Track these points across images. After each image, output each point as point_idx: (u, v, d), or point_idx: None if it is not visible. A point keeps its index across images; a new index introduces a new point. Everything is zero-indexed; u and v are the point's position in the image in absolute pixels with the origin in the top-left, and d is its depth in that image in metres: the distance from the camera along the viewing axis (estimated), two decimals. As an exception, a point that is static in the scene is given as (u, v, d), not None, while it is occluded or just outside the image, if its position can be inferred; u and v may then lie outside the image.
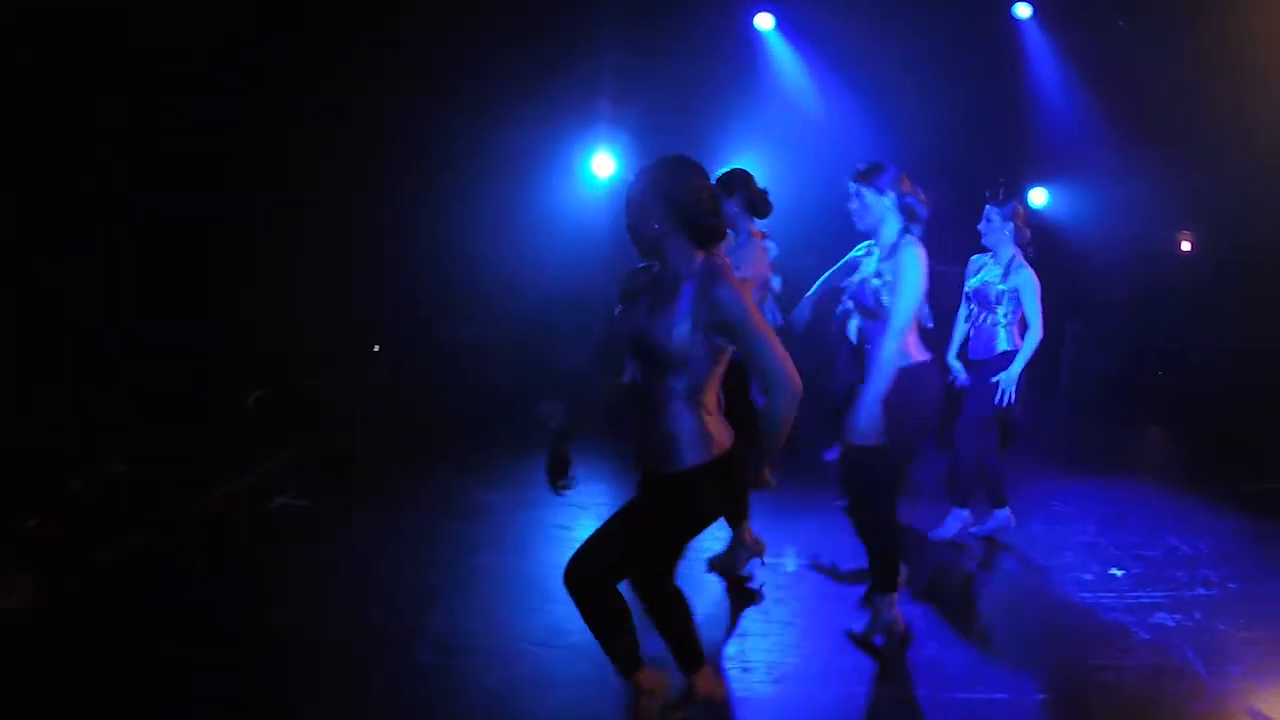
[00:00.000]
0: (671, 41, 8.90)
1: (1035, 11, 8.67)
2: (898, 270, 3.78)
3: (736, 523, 4.69)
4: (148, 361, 6.78)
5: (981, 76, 8.81)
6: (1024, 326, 5.19)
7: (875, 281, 3.84)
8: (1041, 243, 9.25)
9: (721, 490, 2.94)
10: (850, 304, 4.02)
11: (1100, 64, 8.64)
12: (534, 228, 9.15)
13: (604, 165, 9.34)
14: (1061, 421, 8.41)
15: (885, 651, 3.98)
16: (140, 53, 6.77)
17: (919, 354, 3.88)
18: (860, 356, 4.02)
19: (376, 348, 9.42)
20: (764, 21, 9.09)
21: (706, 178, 2.89)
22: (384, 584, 4.62)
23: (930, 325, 4.02)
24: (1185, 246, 9.74)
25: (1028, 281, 5.11)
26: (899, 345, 3.74)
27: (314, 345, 8.21)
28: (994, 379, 5.09)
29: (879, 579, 4.05)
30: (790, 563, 5.00)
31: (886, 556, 4.03)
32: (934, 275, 3.83)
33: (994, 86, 8.90)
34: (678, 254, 2.83)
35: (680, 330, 2.75)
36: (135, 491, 5.50)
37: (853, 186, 3.91)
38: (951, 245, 9.97)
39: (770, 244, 4.73)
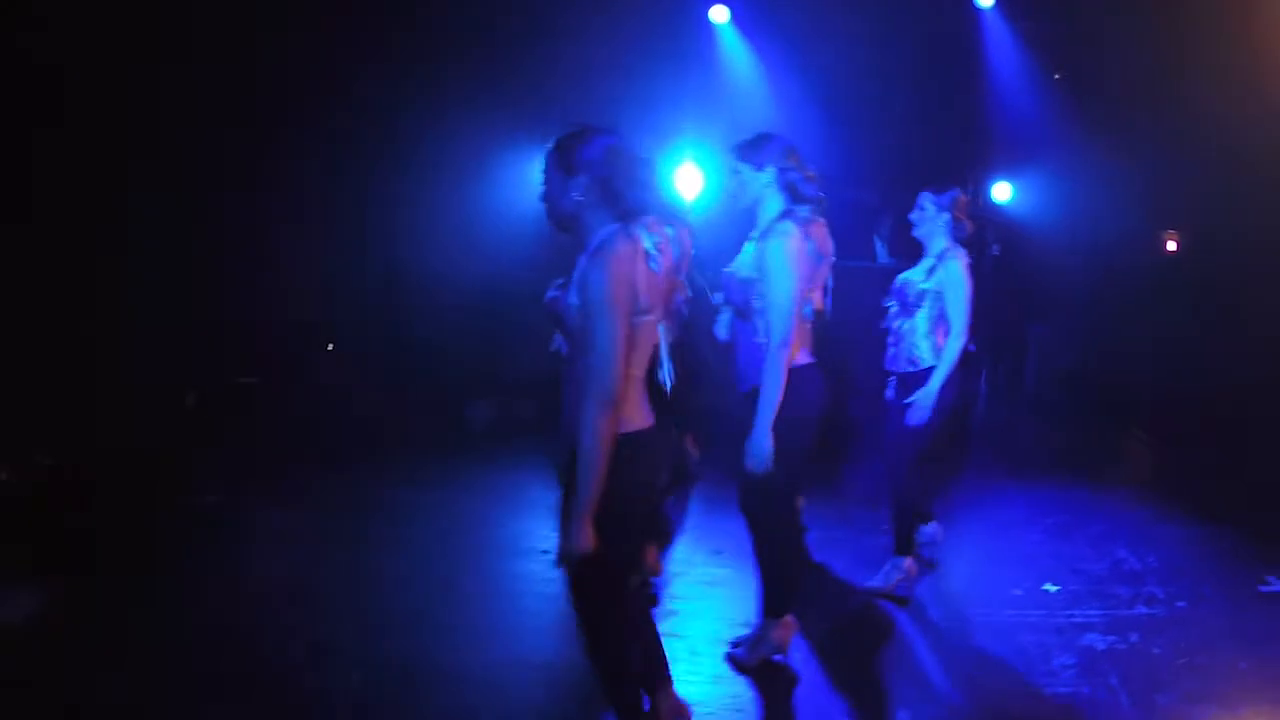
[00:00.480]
0: (626, 33, 8.59)
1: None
2: (763, 261, 3.40)
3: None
4: (85, 355, 6.55)
5: (942, 67, 8.43)
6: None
7: (745, 273, 3.46)
8: (1006, 240, 9.06)
9: (626, 473, 2.59)
10: (721, 297, 3.64)
11: (1066, 53, 8.27)
12: (487, 226, 8.87)
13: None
14: (1022, 424, 8.06)
15: (763, 678, 3.62)
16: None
17: (800, 357, 3.50)
18: (729, 357, 3.64)
19: (330, 346, 9.14)
20: (719, 14, 8.75)
21: (631, 148, 2.72)
22: (260, 582, 4.46)
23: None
24: (1171, 246, 9.38)
25: (954, 279, 4.28)
26: (780, 356, 3.35)
27: (263, 344, 7.97)
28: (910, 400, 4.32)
29: (771, 601, 3.68)
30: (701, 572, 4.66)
31: (780, 578, 3.67)
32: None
33: (955, 77, 8.52)
34: (594, 227, 2.66)
35: (572, 299, 2.60)
36: (61, 485, 5.41)
37: (730, 161, 3.54)
38: (906, 247, 9.71)
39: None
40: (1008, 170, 8.69)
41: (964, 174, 9.12)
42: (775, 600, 3.66)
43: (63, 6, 6.41)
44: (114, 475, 5.63)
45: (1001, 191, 8.68)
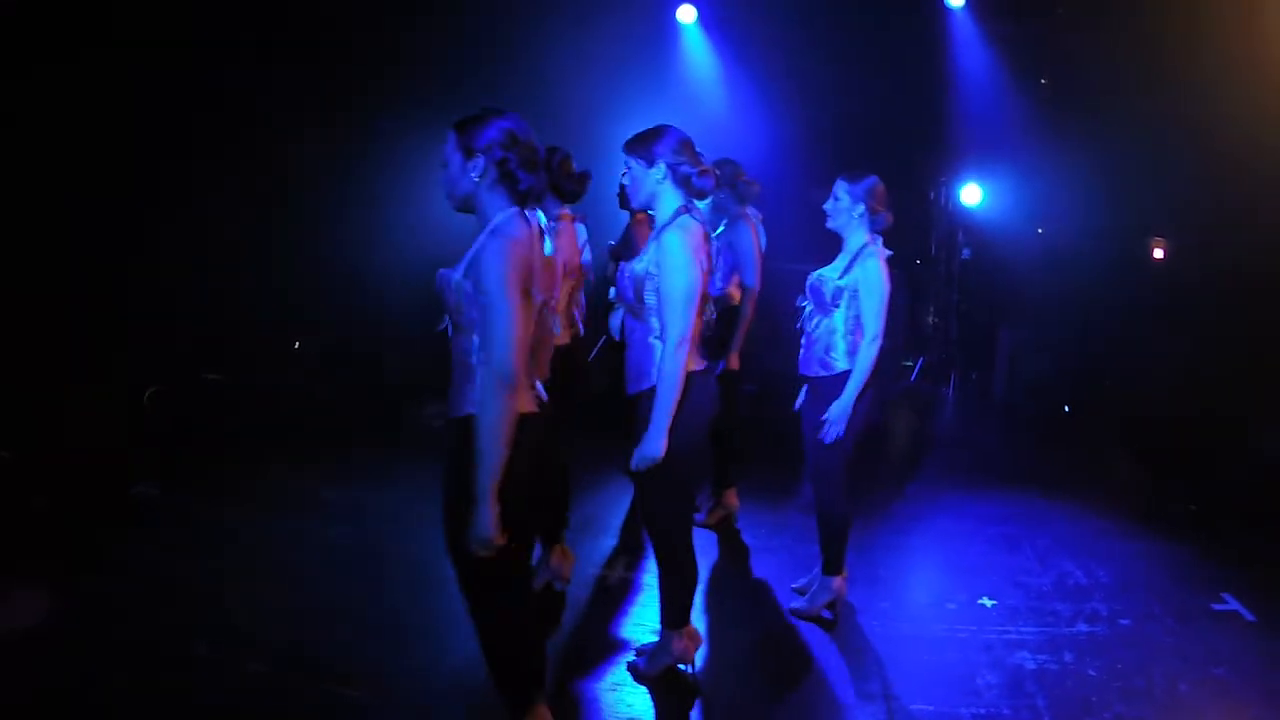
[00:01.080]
0: (593, 33, 8.42)
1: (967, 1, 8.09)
2: (660, 256, 3.18)
3: (549, 538, 4.17)
4: (44, 352, 6.40)
5: (912, 67, 8.26)
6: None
7: (639, 269, 3.24)
8: (976, 243, 8.84)
9: (514, 459, 2.54)
10: (615, 293, 3.42)
11: (1037, 55, 8.07)
12: (448, 226, 8.69)
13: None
14: (987, 431, 7.78)
15: (662, 689, 3.39)
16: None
17: (693, 362, 3.26)
18: (621, 355, 3.40)
19: (297, 344, 8.96)
20: (686, 14, 8.58)
21: (530, 132, 2.69)
22: (183, 576, 4.36)
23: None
24: (1158, 254, 9.15)
25: (870, 277, 3.87)
26: (679, 355, 3.13)
27: (228, 340, 7.82)
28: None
29: (671, 611, 3.45)
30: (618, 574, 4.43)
31: (681, 587, 3.43)
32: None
33: (925, 78, 8.34)
34: (492, 209, 2.65)
35: (455, 276, 2.57)
36: (16, 478, 5.30)
37: (624, 157, 3.33)
38: (887, 245, 9.50)
39: (581, 227, 4.21)
40: (978, 172, 8.45)
41: (933, 173, 9.04)
42: (675, 610, 3.42)
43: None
44: (61, 469, 5.48)
45: (971, 194, 8.44)
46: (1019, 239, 8.31)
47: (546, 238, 2.76)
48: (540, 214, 2.79)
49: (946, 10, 8.20)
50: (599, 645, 3.78)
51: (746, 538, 5.01)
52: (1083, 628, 4.07)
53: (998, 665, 3.69)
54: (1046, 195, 8.19)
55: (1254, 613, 4.23)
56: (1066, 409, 8.19)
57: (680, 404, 3.13)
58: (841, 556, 4.09)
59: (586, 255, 4.23)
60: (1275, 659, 3.84)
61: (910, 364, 8.94)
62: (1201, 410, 6.80)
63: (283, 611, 4.00)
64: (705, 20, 8.59)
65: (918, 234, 9.68)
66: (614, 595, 4.29)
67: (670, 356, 3.13)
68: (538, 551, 4.12)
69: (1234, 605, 4.31)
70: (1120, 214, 8.05)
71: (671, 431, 3.12)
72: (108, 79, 6.85)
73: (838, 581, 4.10)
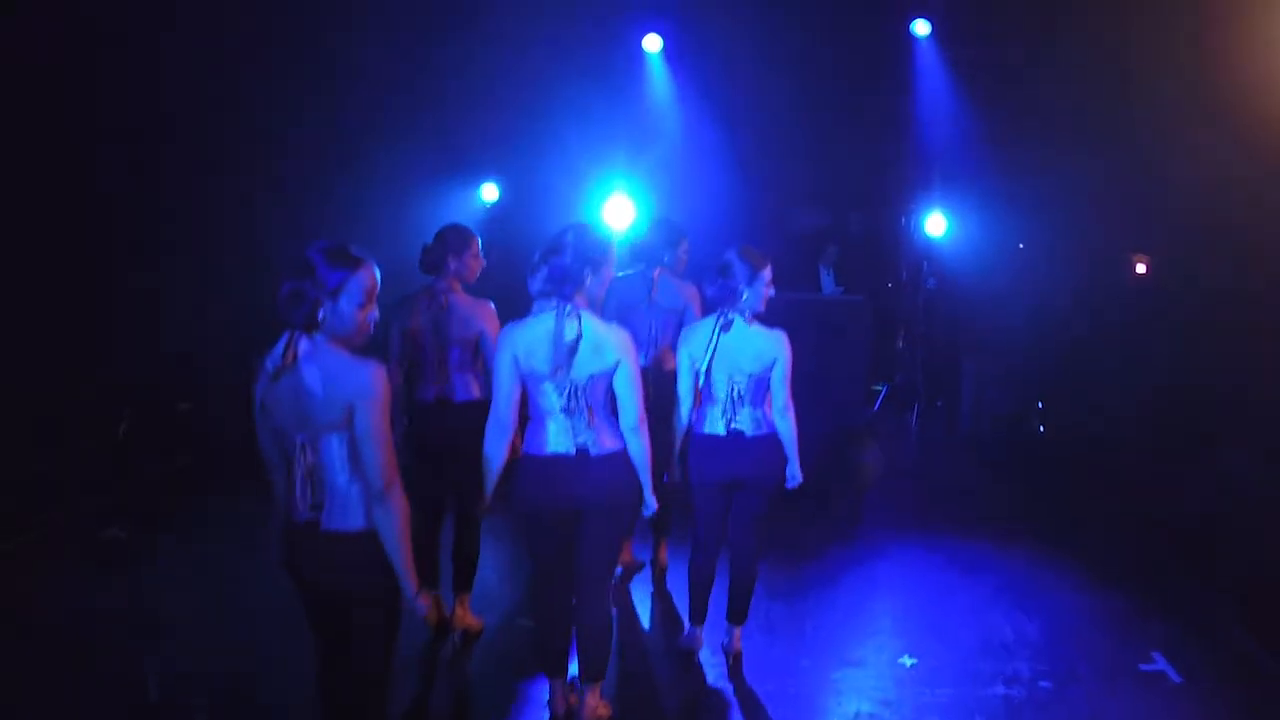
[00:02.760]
0: (558, 63, 8.38)
1: (934, 29, 8.01)
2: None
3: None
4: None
5: (878, 97, 8.20)
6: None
7: None
8: (941, 272, 8.76)
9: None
10: None
11: (1002, 85, 7.99)
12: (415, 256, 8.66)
13: (489, 191, 8.90)
14: (946, 468, 7.65)
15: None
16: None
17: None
18: None
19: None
20: (652, 44, 8.53)
21: None
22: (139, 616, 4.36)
23: None
24: (1140, 269, 9.09)
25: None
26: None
27: (199, 370, 7.76)
28: None
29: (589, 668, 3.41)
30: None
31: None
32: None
33: (891, 107, 8.27)
34: None
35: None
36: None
37: None
38: (859, 271, 9.45)
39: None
40: (944, 202, 8.37)
41: (901, 200, 8.97)
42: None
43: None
44: (29, 504, 5.54)
45: (935, 224, 8.36)
46: (985, 268, 8.21)
47: None
48: None
49: (913, 39, 8.13)
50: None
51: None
52: (999, 690, 3.97)
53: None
54: (1013, 225, 8.11)
55: (1182, 673, 4.13)
56: (1041, 429, 8.13)
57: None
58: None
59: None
60: (1195, 727, 3.75)
61: (877, 389, 8.86)
62: (1163, 439, 6.73)
63: (237, 653, 4.02)
64: (670, 49, 8.55)
65: (888, 259, 9.62)
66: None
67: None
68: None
69: (1162, 665, 4.21)
70: (1087, 239, 7.98)
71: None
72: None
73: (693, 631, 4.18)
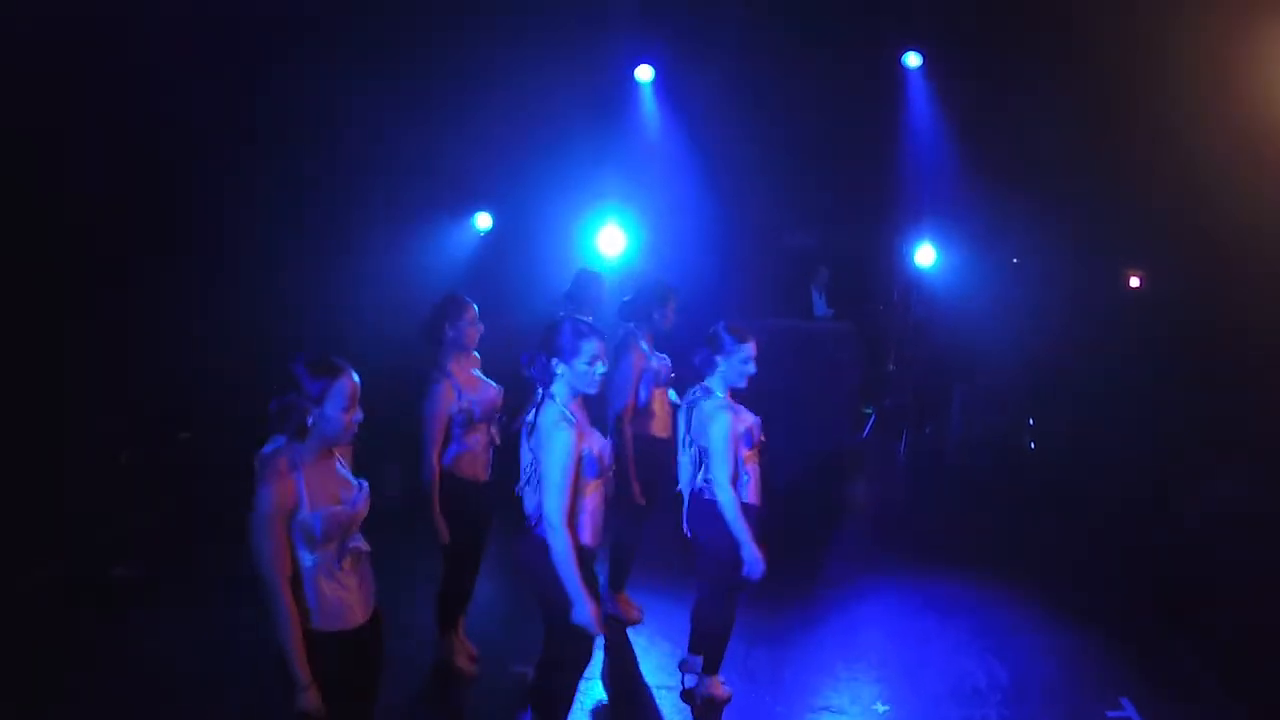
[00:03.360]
0: (550, 93, 8.50)
1: (925, 61, 8.11)
2: None
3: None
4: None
5: (869, 127, 8.30)
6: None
7: None
8: (929, 303, 8.87)
9: None
10: None
11: (990, 115, 8.08)
12: (418, 279, 8.81)
13: (484, 220, 9.03)
14: (932, 502, 7.66)
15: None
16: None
17: None
18: None
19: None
20: (643, 74, 8.65)
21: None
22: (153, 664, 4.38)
23: None
24: (1134, 283, 9.23)
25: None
26: None
27: (197, 399, 7.83)
28: None
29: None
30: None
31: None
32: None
33: (881, 136, 8.38)
34: None
35: None
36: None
37: None
38: (843, 295, 9.55)
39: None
40: (933, 232, 8.47)
41: (893, 226, 9.10)
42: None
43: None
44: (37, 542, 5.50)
45: (925, 255, 8.46)
46: (972, 293, 8.31)
47: None
48: None
49: (904, 70, 8.24)
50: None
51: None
52: (969, 739, 4.08)
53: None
54: (1001, 250, 8.23)
55: (1146, 720, 4.23)
56: (1032, 445, 8.23)
57: None
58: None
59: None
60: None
61: (867, 412, 8.95)
62: (1154, 463, 6.80)
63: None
64: (662, 79, 8.67)
65: (880, 282, 9.72)
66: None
67: None
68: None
69: (1129, 713, 4.31)
70: (1077, 257, 8.10)
71: None
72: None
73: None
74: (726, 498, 3.91)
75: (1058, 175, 8.02)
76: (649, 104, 8.71)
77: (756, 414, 4.08)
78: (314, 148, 8.16)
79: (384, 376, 8.59)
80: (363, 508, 2.79)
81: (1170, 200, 7.53)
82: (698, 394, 4.03)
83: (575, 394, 3.33)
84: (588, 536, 3.30)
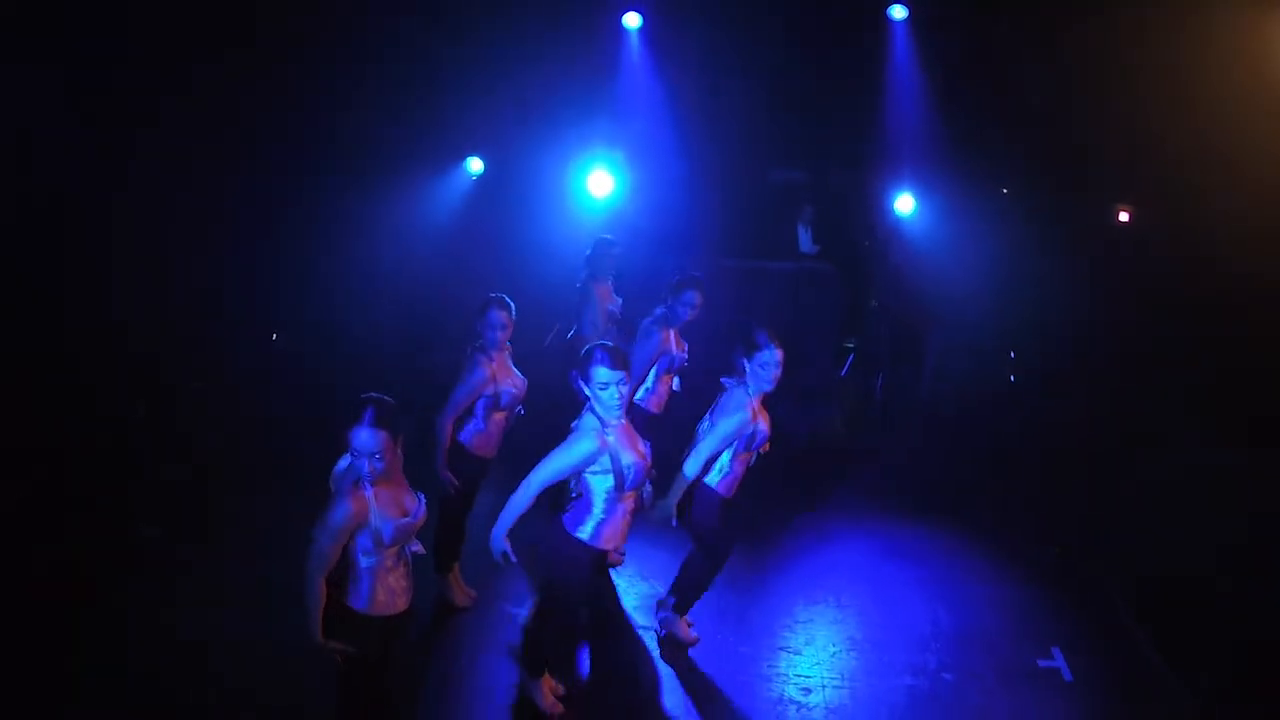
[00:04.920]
0: (539, 39, 8.57)
1: (910, 13, 8.18)
2: None
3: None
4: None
5: (853, 80, 8.43)
6: None
7: None
8: (907, 252, 9.06)
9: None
10: None
11: (976, 68, 8.19)
12: (415, 230, 9.02)
13: (475, 164, 9.21)
14: (900, 441, 7.96)
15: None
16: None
17: None
18: None
19: (275, 336, 9.16)
20: (631, 20, 8.72)
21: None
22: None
23: None
24: (1123, 217, 9.44)
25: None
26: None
27: (209, 341, 7.92)
28: None
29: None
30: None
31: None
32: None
33: (865, 91, 8.51)
34: None
35: None
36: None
37: None
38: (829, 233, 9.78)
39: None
40: (913, 181, 8.64)
41: (873, 173, 9.26)
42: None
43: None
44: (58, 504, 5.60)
45: (904, 203, 8.65)
46: (950, 248, 8.52)
47: None
48: None
49: (890, 22, 8.31)
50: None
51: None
52: (906, 681, 4.53)
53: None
54: (981, 206, 8.43)
55: (1074, 671, 4.67)
56: (1012, 379, 8.54)
57: None
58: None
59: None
60: (1072, 724, 4.28)
61: (850, 346, 9.22)
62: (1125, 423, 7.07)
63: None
64: (649, 26, 8.74)
65: (865, 219, 9.90)
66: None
67: None
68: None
69: (1059, 662, 4.75)
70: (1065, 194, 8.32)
71: None
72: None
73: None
74: (692, 467, 4.30)
75: (1044, 124, 8.15)
76: (636, 50, 8.79)
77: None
78: (313, 100, 8.27)
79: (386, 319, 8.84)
80: (423, 518, 3.25)
81: (1157, 138, 7.64)
82: (734, 384, 4.42)
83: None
84: (605, 542, 3.76)
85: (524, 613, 4.91)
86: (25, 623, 4.50)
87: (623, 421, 3.71)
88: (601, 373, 3.60)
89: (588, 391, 3.66)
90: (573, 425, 3.71)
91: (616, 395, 3.63)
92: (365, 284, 8.88)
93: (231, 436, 6.76)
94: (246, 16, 7.55)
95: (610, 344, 3.75)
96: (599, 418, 3.65)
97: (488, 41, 8.57)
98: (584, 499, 3.72)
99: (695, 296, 5.21)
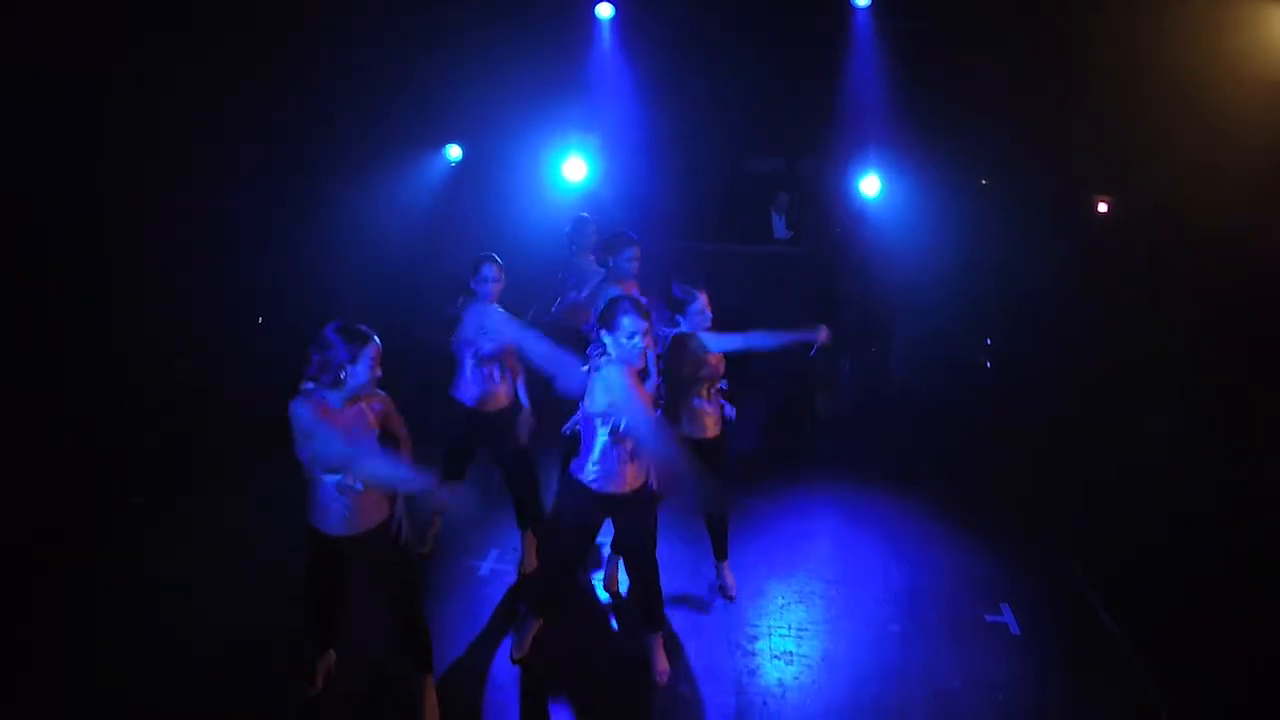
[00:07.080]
0: (511, 26, 8.70)
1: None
2: None
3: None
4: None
5: (818, 63, 8.57)
6: None
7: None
8: (871, 232, 9.18)
9: None
10: None
11: (942, 52, 8.30)
12: (396, 214, 9.13)
13: (454, 151, 9.33)
14: (869, 413, 8.06)
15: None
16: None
17: None
18: None
19: (260, 319, 9.24)
20: (604, 10, 8.84)
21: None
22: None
23: None
24: (1101, 208, 9.52)
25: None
26: None
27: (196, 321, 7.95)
28: None
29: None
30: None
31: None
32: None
33: (831, 75, 8.63)
34: None
35: None
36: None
37: None
38: (802, 219, 9.88)
39: None
40: (878, 163, 8.75)
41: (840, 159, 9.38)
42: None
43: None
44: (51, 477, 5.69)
45: (870, 185, 8.76)
46: (915, 231, 8.63)
47: None
48: None
49: (853, 8, 8.45)
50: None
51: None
52: (855, 630, 4.70)
53: (757, 670, 4.30)
54: (943, 191, 8.54)
55: (1021, 626, 4.78)
56: (989, 365, 8.63)
57: None
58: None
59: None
60: (1016, 674, 4.42)
61: (818, 329, 9.27)
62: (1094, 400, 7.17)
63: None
64: (620, 17, 8.87)
65: (838, 207, 10.01)
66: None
67: None
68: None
69: (1007, 618, 4.86)
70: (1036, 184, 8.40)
71: None
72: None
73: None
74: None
75: (1010, 110, 8.24)
76: (608, 40, 8.92)
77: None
78: (296, 97, 8.33)
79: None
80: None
81: (1134, 127, 7.72)
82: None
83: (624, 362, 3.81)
84: (609, 485, 3.95)
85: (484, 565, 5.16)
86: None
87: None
88: (627, 322, 3.75)
89: (609, 341, 3.79)
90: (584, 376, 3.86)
91: (640, 344, 3.78)
92: (347, 267, 8.95)
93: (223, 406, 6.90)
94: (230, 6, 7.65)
95: (633, 295, 3.94)
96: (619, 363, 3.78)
97: (463, 34, 8.70)
98: (585, 444, 3.92)
99: (633, 250, 5.26)
